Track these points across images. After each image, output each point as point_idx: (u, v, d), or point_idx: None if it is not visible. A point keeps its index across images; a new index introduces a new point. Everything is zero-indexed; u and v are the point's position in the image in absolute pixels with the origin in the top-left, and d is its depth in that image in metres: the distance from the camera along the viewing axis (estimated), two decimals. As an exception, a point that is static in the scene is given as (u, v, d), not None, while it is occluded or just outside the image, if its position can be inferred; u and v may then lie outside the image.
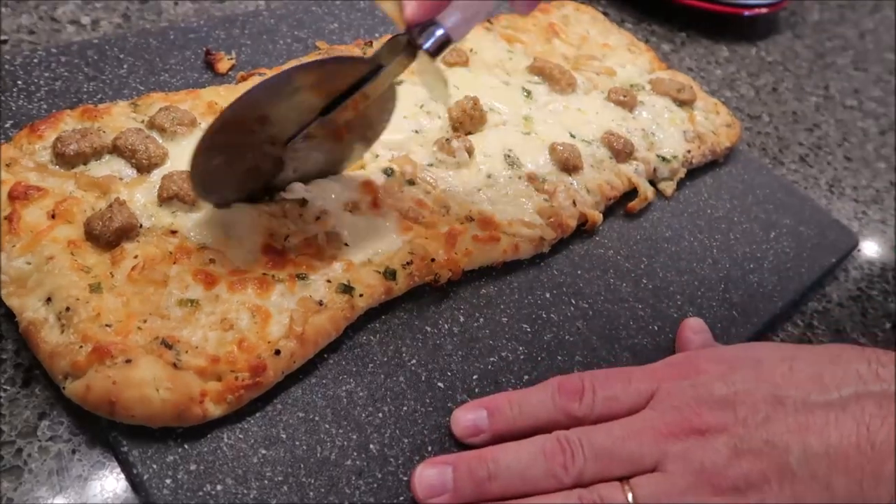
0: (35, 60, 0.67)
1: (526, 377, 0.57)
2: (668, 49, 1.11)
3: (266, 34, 0.80)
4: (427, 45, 0.53)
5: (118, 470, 0.47)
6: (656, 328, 0.65)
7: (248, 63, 0.75)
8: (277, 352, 0.50)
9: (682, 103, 0.85)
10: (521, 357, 0.59)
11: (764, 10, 1.18)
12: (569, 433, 0.48)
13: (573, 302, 0.64)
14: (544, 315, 0.62)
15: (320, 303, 0.53)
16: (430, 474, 0.47)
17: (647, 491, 0.45)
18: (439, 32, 0.53)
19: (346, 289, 0.55)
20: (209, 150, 0.51)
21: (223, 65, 0.73)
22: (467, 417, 0.51)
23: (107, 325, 0.48)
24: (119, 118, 0.61)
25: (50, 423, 0.48)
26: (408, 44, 0.53)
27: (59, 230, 0.52)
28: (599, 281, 0.67)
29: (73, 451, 0.47)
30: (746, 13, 1.18)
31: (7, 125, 0.61)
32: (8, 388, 0.49)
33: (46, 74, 0.66)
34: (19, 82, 0.65)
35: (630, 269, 0.69)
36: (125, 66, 0.70)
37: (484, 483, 0.47)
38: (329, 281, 0.55)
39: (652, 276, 0.69)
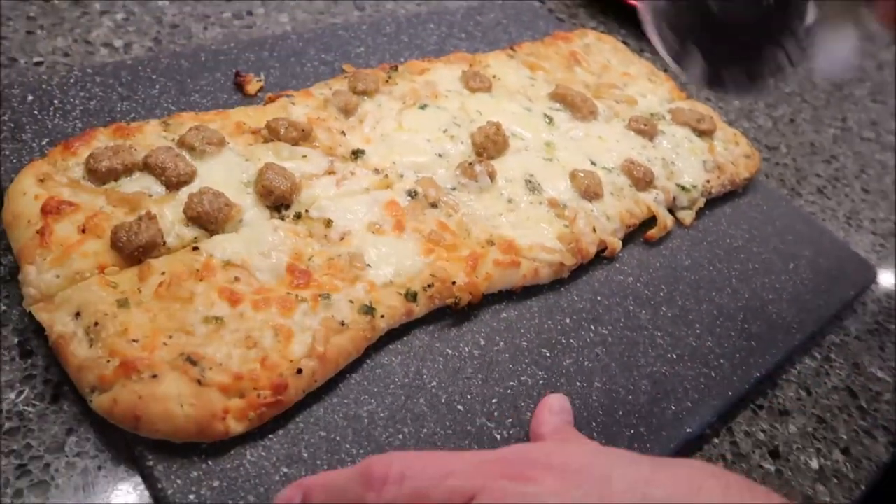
0: (71, 80, 0.69)
1: (545, 402, 0.57)
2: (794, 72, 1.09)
3: (294, 57, 0.81)
4: None
5: (142, 487, 0.47)
6: (675, 356, 0.65)
7: (277, 85, 0.77)
8: (299, 371, 0.50)
9: (701, 133, 0.85)
10: (541, 382, 0.59)
11: None
12: None
13: (592, 328, 0.64)
14: (564, 340, 0.63)
15: (342, 323, 0.54)
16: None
17: None
18: None
19: (368, 310, 0.55)
20: None
21: (252, 86, 0.75)
22: (285, 494, 0.44)
23: (134, 341, 0.48)
24: (150, 136, 0.62)
25: (77, 439, 0.49)
26: None
27: (89, 245, 0.53)
28: (619, 308, 0.67)
29: (99, 468, 0.48)
30: None
31: (44, 142, 0.63)
32: (37, 403, 0.50)
33: (82, 94, 0.68)
34: (56, 101, 0.67)
35: (649, 297, 0.69)
36: (157, 87, 0.72)
37: None
38: (351, 301, 0.55)
39: (671, 305, 0.69)
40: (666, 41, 0.58)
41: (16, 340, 0.53)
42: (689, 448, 0.61)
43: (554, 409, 0.54)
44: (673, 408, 0.61)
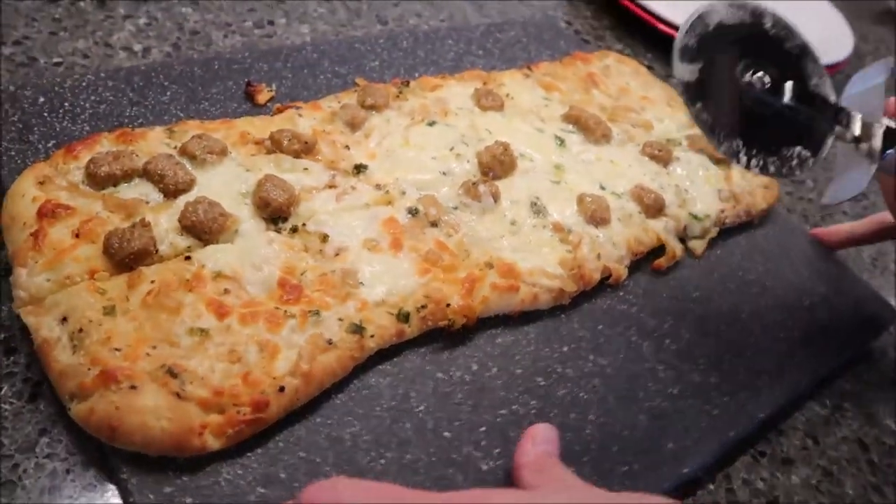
0: (83, 84, 0.69)
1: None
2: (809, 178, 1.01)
3: (307, 68, 0.81)
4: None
5: (108, 494, 0.46)
6: (676, 392, 0.62)
7: (287, 96, 0.77)
8: (282, 388, 0.50)
9: (718, 161, 0.83)
10: (533, 412, 0.57)
11: None
12: None
13: (591, 358, 0.63)
14: (560, 369, 0.61)
15: (330, 341, 0.53)
16: None
17: None
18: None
19: (358, 329, 0.54)
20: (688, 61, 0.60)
21: (262, 96, 0.75)
22: None
23: (116, 349, 0.48)
24: (154, 143, 0.62)
25: (49, 440, 0.48)
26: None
27: (82, 249, 0.53)
28: (620, 338, 0.65)
29: (68, 471, 0.47)
30: None
31: (49, 145, 0.63)
32: (14, 401, 0.50)
33: (93, 98, 0.69)
34: (66, 104, 0.67)
35: (654, 328, 0.67)
36: (168, 94, 0.72)
37: None
38: (341, 319, 0.55)
39: (676, 338, 0.67)
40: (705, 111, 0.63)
41: (1, 337, 0.53)
42: (682, 490, 0.58)
43: (538, 438, 0.51)
44: (671, 445, 0.58)
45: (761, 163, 0.63)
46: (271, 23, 0.93)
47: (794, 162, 0.63)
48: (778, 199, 0.84)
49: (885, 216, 0.78)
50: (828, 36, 1.16)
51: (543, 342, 0.62)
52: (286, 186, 0.61)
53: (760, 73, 0.62)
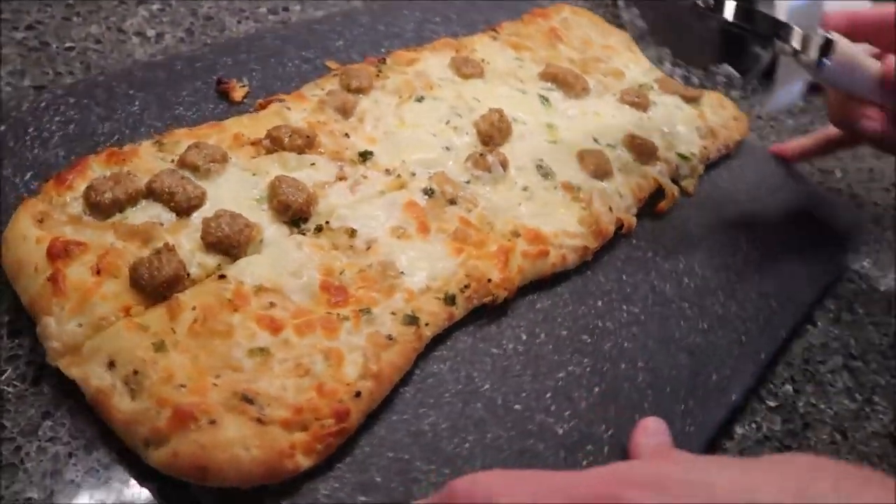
0: (42, 105, 0.63)
1: (596, 389, 0.57)
2: (737, 95, 0.97)
3: (273, 57, 0.77)
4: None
5: (108, 477, 0.45)
6: (705, 326, 0.65)
7: (262, 89, 0.73)
8: (358, 393, 0.48)
9: (689, 100, 0.85)
10: (588, 370, 0.58)
11: None
12: None
13: (624, 307, 0.64)
14: (600, 324, 0.62)
15: (389, 337, 0.52)
16: None
17: None
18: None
19: (412, 319, 0.53)
20: None
21: (238, 93, 0.70)
22: None
23: (181, 386, 0.45)
24: (148, 159, 0.58)
25: (52, 423, 0.47)
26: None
27: (107, 286, 0.49)
28: (644, 284, 0.67)
29: (70, 455, 0.46)
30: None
31: (27, 177, 0.58)
32: (18, 384, 0.48)
33: (57, 119, 0.63)
34: (31, 130, 0.61)
35: (670, 270, 0.69)
36: (137, 103, 0.67)
37: None
38: (393, 313, 0.53)
39: (692, 275, 0.69)
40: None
41: (6, 319, 0.51)
42: (732, 419, 0.61)
43: (649, 431, 0.52)
44: (714, 377, 0.61)
45: (686, 73, 0.67)
46: (286, 9, 0.91)
47: (721, 79, 0.66)
48: (749, 129, 0.88)
49: (830, 130, 0.82)
50: None
51: (578, 300, 0.63)
52: (301, 185, 0.58)
53: None
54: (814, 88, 0.82)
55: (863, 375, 0.67)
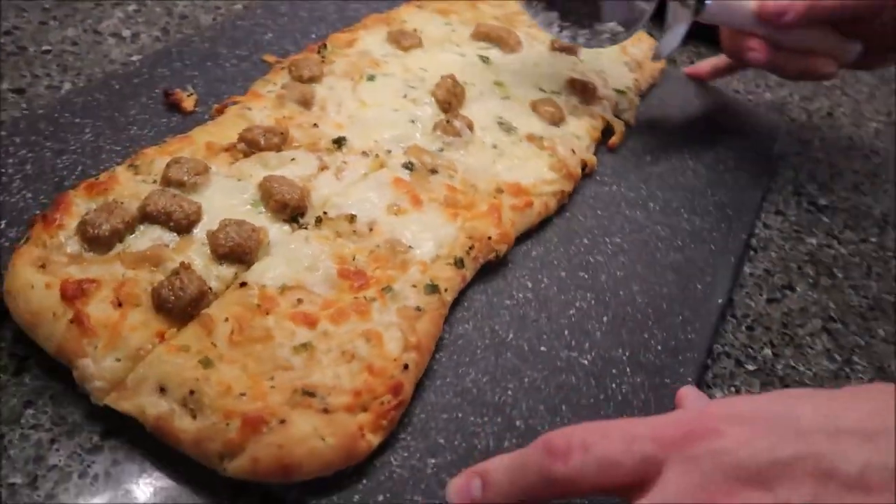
0: (-12, 148, 0.60)
1: (605, 318, 0.61)
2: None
3: (209, 60, 0.75)
4: None
5: (90, 460, 0.46)
6: (680, 243, 0.71)
7: (210, 94, 0.71)
8: (406, 366, 0.50)
9: (610, 37, 0.90)
10: (593, 302, 0.62)
11: None
12: None
13: (607, 240, 0.69)
14: (591, 259, 0.66)
15: (418, 308, 0.54)
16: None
17: None
18: None
19: (433, 288, 0.56)
20: None
21: (188, 102, 0.69)
22: (460, 482, 0.42)
23: (241, 395, 0.46)
24: (128, 184, 0.56)
25: (35, 412, 0.48)
26: None
27: (132, 316, 0.49)
28: (618, 216, 0.72)
29: (53, 441, 0.47)
30: None
31: (1, 225, 0.55)
32: (0, 375, 0.49)
33: (10, 161, 0.60)
34: (-14, 177, 0.58)
35: (636, 198, 0.74)
36: (87, 130, 0.64)
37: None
38: (414, 286, 0.55)
39: (655, 199, 0.75)
40: None
41: None
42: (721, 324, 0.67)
43: (693, 396, 0.48)
44: (699, 286, 0.67)
45: (573, 34, 0.73)
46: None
47: (606, 35, 0.72)
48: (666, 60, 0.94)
49: None
50: None
51: (566, 241, 0.67)
52: (291, 182, 0.58)
53: None
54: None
55: (842, 337, 0.68)
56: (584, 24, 0.73)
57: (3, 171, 0.59)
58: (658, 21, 0.74)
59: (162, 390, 0.46)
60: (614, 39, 0.72)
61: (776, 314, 0.68)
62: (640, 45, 0.92)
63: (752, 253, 0.74)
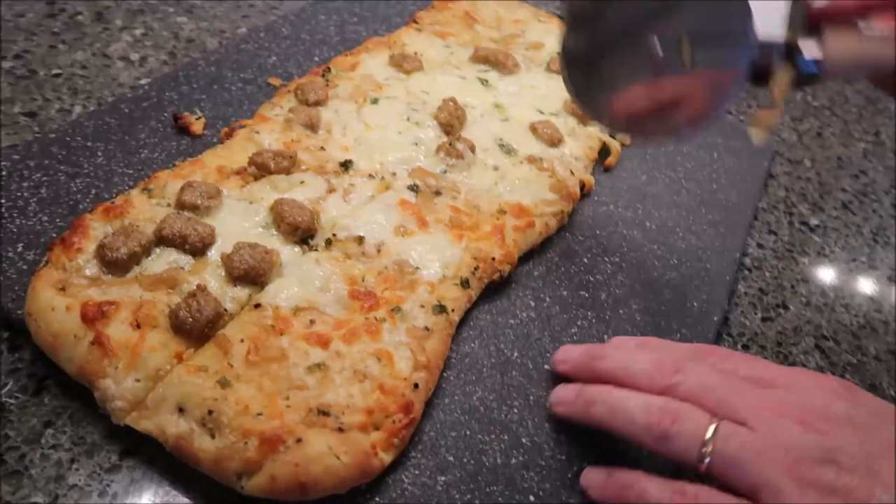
0: (3, 174, 0.61)
1: (605, 336, 0.63)
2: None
3: (215, 83, 0.77)
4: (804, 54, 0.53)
5: (112, 481, 0.48)
6: (676, 261, 0.73)
7: (217, 118, 0.73)
8: (416, 385, 0.52)
9: (605, 59, 0.93)
10: (594, 321, 0.64)
11: None
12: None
13: (606, 259, 0.71)
14: (591, 278, 0.68)
15: (426, 328, 0.56)
16: (566, 347, 0.59)
17: (729, 433, 0.45)
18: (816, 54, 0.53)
19: (440, 308, 0.57)
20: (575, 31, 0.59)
21: (196, 125, 0.70)
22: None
23: (258, 414, 0.47)
24: (143, 208, 0.58)
25: (54, 431, 0.50)
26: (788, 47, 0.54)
27: (151, 337, 0.50)
28: (615, 235, 0.74)
29: (73, 461, 0.48)
30: None
31: (19, 248, 0.56)
32: (20, 395, 0.51)
33: (25, 185, 0.61)
34: (3, 201, 0.59)
35: (633, 218, 0.76)
36: (100, 154, 0.66)
37: (596, 360, 0.54)
38: (422, 306, 0.57)
39: (651, 218, 0.77)
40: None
41: (6, 335, 0.53)
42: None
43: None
44: (695, 304, 0.69)
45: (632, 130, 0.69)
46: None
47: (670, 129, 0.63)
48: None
49: None
50: None
51: (566, 261, 0.69)
52: (301, 205, 0.60)
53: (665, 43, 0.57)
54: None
55: (835, 355, 0.70)
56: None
57: (18, 194, 0.60)
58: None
59: (181, 410, 0.47)
60: (679, 137, 0.66)
61: (771, 333, 0.70)
62: (634, 67, 0.94)
63: (746, 272, 0.77)
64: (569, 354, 0.57)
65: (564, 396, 0.55)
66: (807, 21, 0.54)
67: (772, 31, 0.55)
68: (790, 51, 0.54)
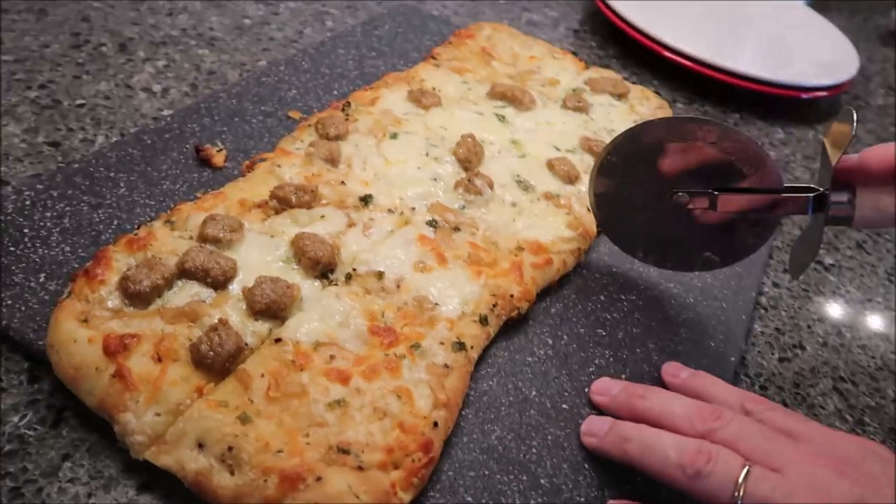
0: (28, 203, 0.62)
1: (623, 376, 0.63)
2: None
3: (236, 116, 0.78)
4: (832, 211, 0.57)
5: None
6: (692, 300, 0.73)
7: (238, 150, 0.74)
8: (435, 424, 0.52)
9: (619, 97, 0.94)
10: (611, 360, 0.64)
11: (823, 94, 1.12)
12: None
13: (622, 297, 0.71)
14: (608, 316, 0.68)
15: (446, 365, 0.55)
16: (605, 380, 0.60)
17: (761, 479, 0.46)
18: (849, 207, 0.57)
19: (460, 345, 0.57)
20: (606, 176, 0.65)
21: (218, 158, 0.71)
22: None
23: (279, 451, 0.47)
24: (166, 240, 0.58)
25: (72, 465, 0.49)
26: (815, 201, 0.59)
27: (172, 371, 0.50)
28: (632, 272, 0.74)
29: (90, 495, 0.48)
30: (804, 96, 1.11)
31: (41, 279, 0.56)
32: (38, 427, 0.51)
33: (48, 215, 0.62)
34: (26, 230, 0.60)
35: (648, 255, 0.76)
36: (122, 185, 0.66)
37: (636, 398, 0.56)
38: (441, 343, 0.57)
39: (667, 256, 0.77)
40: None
41: (25, 365, 0.54)
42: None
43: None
44: (712, 344, 0.69)
45: (662, 263, 0.70)
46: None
47: (698, 262, 0.68)
48: (673, 115, 0.97)
49: None
50: (833, 57, 1.20)
51: (584, 298, 0.69)
52: (322, 239, 0.60)
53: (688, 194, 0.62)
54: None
55: (853, 397, 0.69)
56: (677, 262, 0.70)
57: (41, 224, 0.61)
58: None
59: (201, 445, 0.47)
60: (707, 267, 0.68)
61: (788, 373, 0.70)
62: (646, 103, 0.95)
63: (762, 311, 0.76)
64: (608, 388, 0.59)
65: (598, 429, 0.55)
66: (834, 176, 0.57)
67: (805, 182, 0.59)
68: (820, 202, 0.59)
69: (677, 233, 0.66)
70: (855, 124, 0.57)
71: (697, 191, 0.63)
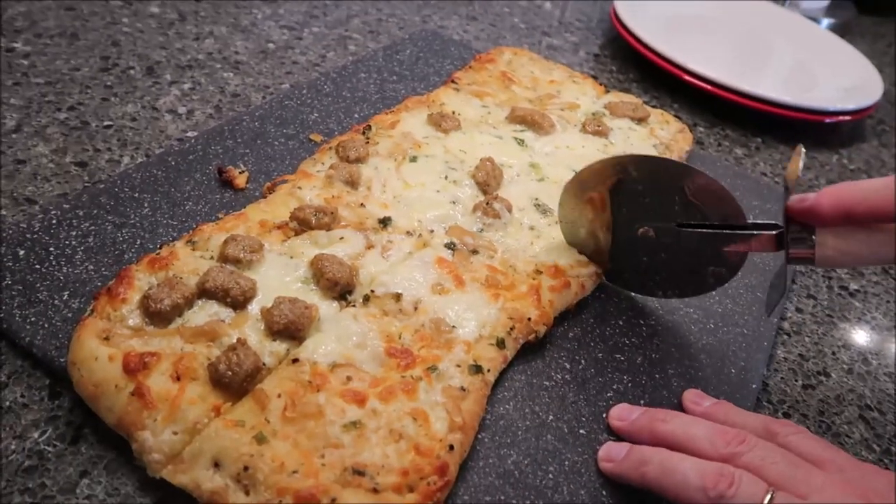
0: (53, 222, 0.63)
1: (641, 402, 0.62)
2: (742, 153, 1.05)
3: (258, 138, 0.79)
4: (791, 251, 0.57)
5: None
6: (712, 326, 0.72)
7: (260, 172, 0.75)
8: (451, 447, 0.51)
9: (639, 121, 0.94)
10: (629, 385, 0.63)
11: (847, 118, 1.12)
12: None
13: (641, 322, 0.70)
14: (626, 341, 0.68)
15: (462, 388, 0.55)
16: (624, 406, 0.60)
17: (786, 501, 0.46)
18: (808, 247, 0.56)
19: (476, 368, 0.57)
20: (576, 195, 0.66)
21: (240, 179, 0.72)
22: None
23: (294, 472, 0.47)
24: (187, 260, 0.59)
25: (89, 482, 0.50)
26: (777, 238, 0.59)
27: (190, 390, 0.50)
28: (651, 297, 0.73)
29: None
30: (828, 120, 1.11)
31: (64, 297, 0.57)
32: (57, 443, 0.51)
33: (73, 234, 0.63)
34: (51, 248, 0.61)
35: (668, 279, 0.76)
36: (146, 205, 0.67)
37: (657, 422, 0.56)
38: (458, 365, 0.57)
39: (687, 281, 0.76)
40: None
41: (47, 382, 0.54)
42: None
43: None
44: (733, 370, 0.68)
45: (677, 292, 0.70)
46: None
47: (710, 281, 0.67)
48: (694, 139, 0.97)
49: None
50: (856, 82, 1.20)
51: (602, 323, 0.69)
52: (341, 261, 0.61)
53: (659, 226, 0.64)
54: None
55: (879, 426, 0.67)
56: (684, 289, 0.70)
57: (67, 242, 0.62)
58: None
59: (217, 465, 0.47)
60: (720, 281, 0.67)
61: (812, 401, 0.68)
62: (666, 126, 0.95)
63: (785, 337, 0.75)
64: (627, 413, 0.58)
65: (616, 453, 0.55)
66: (787, 216, 0.58)
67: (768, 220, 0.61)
68: (782, 240, 0.59)
69: (679, 260, 0.66)
70: (802, 163, 0.57)
71: (661, 225, 0.64)
